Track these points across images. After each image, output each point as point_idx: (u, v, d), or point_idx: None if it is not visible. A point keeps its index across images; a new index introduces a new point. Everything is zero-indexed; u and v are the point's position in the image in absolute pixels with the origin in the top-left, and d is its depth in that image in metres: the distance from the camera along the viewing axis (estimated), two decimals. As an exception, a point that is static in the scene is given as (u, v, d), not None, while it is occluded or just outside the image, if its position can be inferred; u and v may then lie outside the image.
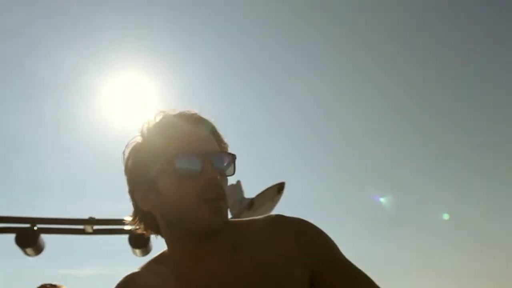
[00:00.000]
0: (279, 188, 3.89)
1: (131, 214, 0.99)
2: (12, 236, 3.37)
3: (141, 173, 0.94)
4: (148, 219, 0.97)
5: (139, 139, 0.98)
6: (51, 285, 2.30)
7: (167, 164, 0.90)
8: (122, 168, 0.98)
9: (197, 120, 0.97)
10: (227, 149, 0.99)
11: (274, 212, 1.09)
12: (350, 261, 1.03)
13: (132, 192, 0.97)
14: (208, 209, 0.88)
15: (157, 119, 0.97)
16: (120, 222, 3.63)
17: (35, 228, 3.40)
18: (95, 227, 3.62)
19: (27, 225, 3.40)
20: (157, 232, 0.99)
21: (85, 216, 3.67)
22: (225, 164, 0.94)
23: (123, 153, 0.98)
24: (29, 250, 3.40)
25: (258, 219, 1.04)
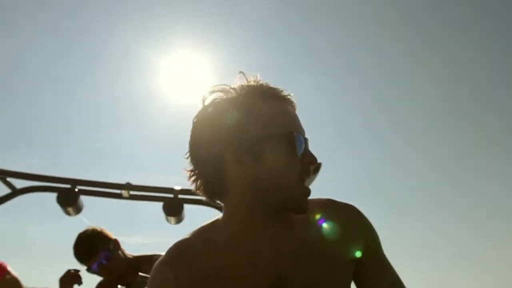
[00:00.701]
0: (315, 168, 3.85)
1: (190, 169, 0.97)
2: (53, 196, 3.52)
3: (241, 133, 0.90)
4: (217, 181, 0.94)
5: (233, 95, 0.94)
6: (101, 229, 2.39)
7: (280, 136, 0.90)
8: (218, 119, 0.92)
9: (293, 102, 0.97)
10: None
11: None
12: (388, 260, 1.04)
13: (218, 148, 0.91)
14: (305, 193, 0.93)
15: (254, 84, 0.94)
16: (156, 189, 3.71)
17: (76, 189, 3.53)
18: (131, 192, 3.71)
19: (68, 186, 3.54)
20: (219, 195, 0.97)
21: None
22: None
23: (217, 104, 0.94)
24: (69, 210, 3.55)
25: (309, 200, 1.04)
